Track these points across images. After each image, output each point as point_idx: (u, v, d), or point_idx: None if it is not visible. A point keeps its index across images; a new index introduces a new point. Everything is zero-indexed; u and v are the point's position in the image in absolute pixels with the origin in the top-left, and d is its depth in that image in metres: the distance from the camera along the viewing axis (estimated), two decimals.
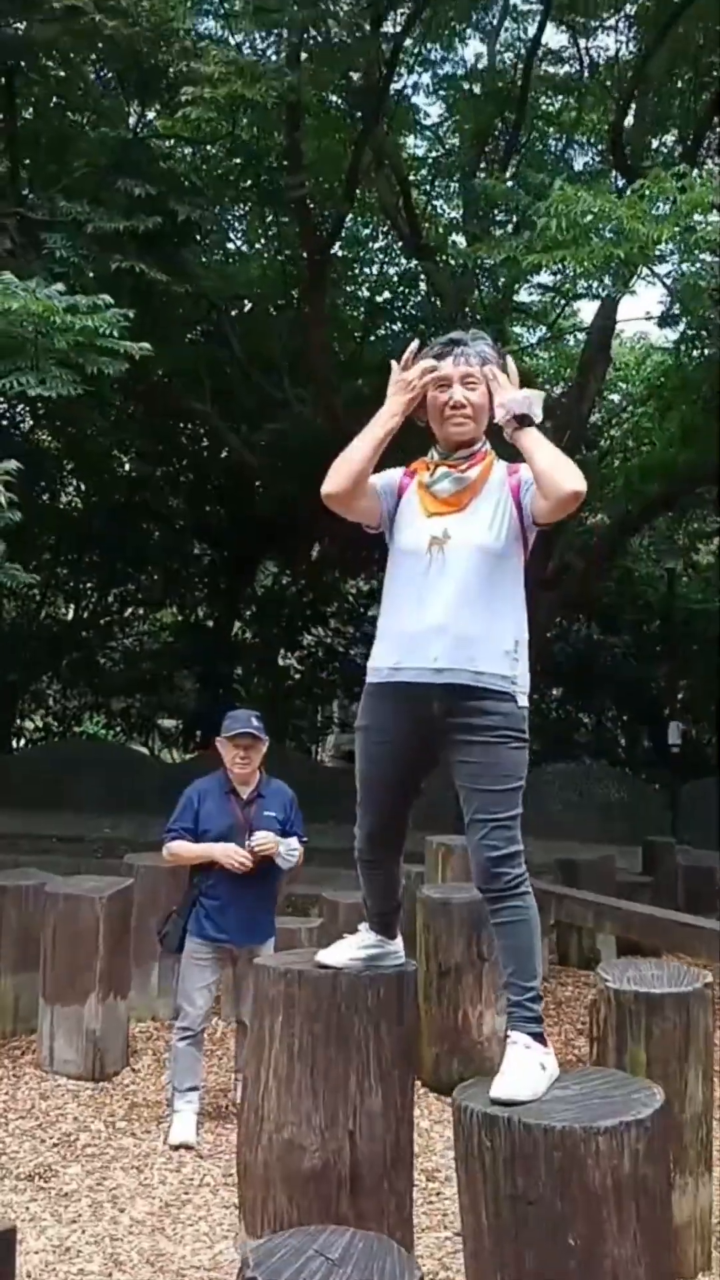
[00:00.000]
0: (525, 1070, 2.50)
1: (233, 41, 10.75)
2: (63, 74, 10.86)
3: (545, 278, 11.52)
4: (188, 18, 10.36)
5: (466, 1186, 2.48)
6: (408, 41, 11.18)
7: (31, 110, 11.42)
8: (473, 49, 12.94)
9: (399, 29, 10.79)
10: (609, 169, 11.71)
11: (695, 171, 8.05)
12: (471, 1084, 2.62)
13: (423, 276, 12.85)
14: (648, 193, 6.82)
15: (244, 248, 13.37)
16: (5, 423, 15.86)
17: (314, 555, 19.35)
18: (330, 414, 10.88)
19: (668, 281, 8.86)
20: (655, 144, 12.46)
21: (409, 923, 4.71)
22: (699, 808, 15.85)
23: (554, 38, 12.95)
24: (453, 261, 12.01)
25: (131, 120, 11.84)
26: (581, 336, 14.02)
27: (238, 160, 11.51)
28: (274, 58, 10.28)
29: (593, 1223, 2.29)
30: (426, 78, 12.58)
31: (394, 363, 2.86)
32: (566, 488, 2.62)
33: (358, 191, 11.37)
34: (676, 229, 6.81)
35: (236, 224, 13.23)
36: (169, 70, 9.96)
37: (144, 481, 17.97)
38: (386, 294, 14.23)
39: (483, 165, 12.45)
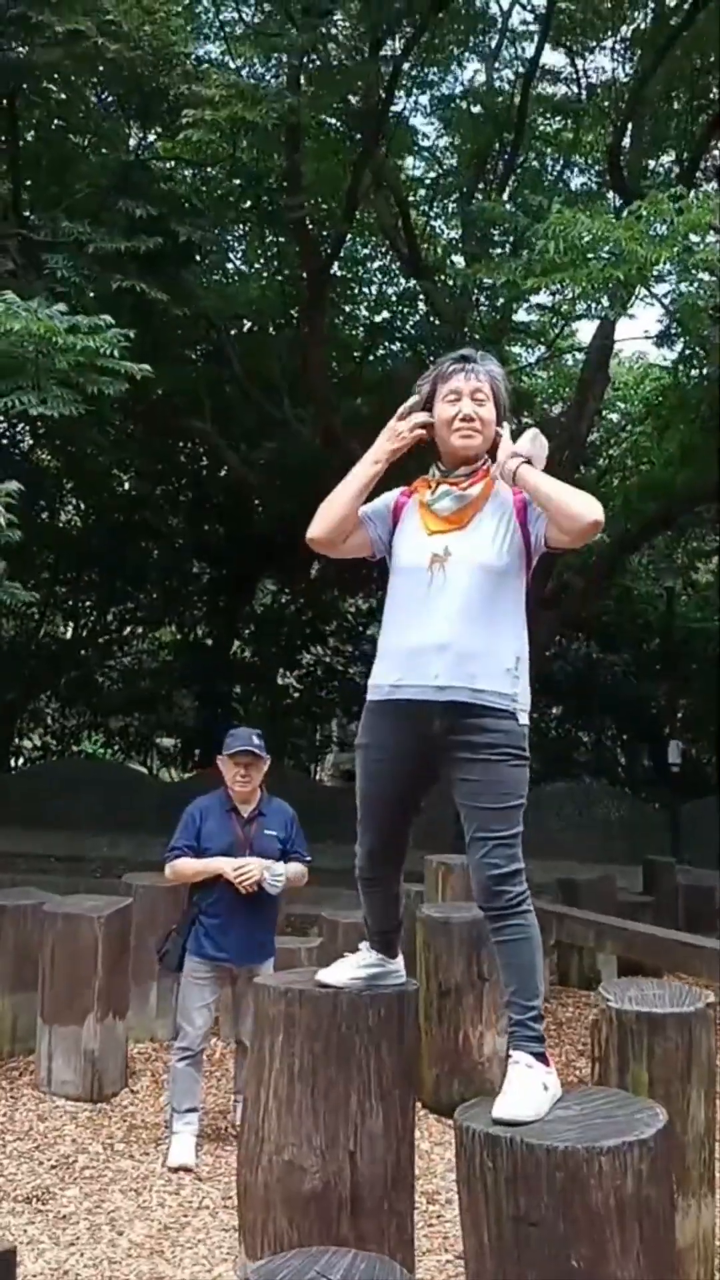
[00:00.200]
0: (527, 1090, 2.49)
1: (233, 65, 10.83)
2: (64, 97, 10.93)
3: (544, 298, 11.59)
4: (189, 42, 10.44)
5: (468, 1207, 2.45)
6: (406, 65, 11.27)
7: (33, 133, 11.50)
8: (471, 70, 12.98)
9: (398, 52, 10.86)
10: (606, 190, 11.78)
11: (693, 193, 8.11)
12: (473, 1104, 2.60)
13: (421, 296, 12.91)
14: (645, 214, 6.86)
15: (244, 268, 13.42)
16: (5, 442, 15.90)
17: (313, 574, 19.35)
18: (329, 433, 10.91)
19: (666, 301, 8.90)
20: (653, 165, 12.54)
21: (409, 942, 4.69)
22: (699, 827, 15.83)
23: (552, 58, 13.07)
24: (451, 282, 12.07)
25: (132, 142, 11.92)
26: (580, 356, 14.07)
27: (238, 181, 11.57)
28: (274, 81, 10.36)
29: (595, 1244, 2.27)
30: (425, 99, 12.69)
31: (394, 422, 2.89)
32: (587, 520, 2.65)
33: (357, 212, 11.43)
34: (674, 250, 6.85)
35: (236, 244, 13.29)
36: (170, 93, 10.04)
37: (143, 500, 18.00)
38: (385, 314, 14.29)
39: (481, 186, 12.54)
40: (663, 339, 10.75)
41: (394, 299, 14.14)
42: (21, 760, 20.39)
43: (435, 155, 13.47)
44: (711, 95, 11.79)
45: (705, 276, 7.23)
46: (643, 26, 11.30)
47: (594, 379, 11.42)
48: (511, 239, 10.44)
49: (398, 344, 14.13)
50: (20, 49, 9.54)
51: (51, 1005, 5.22)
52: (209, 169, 11.62)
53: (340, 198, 11.10)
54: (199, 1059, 4.62)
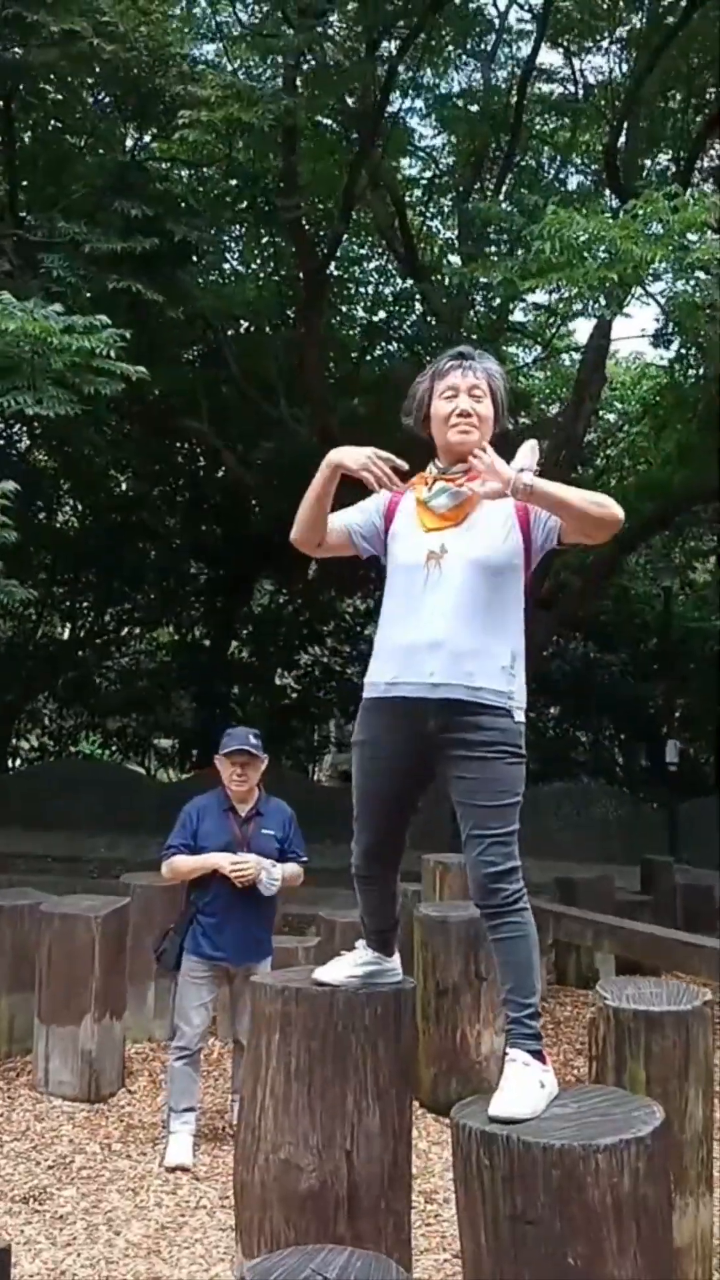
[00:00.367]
0: (524, 1088, 2.48)
1: (230, 66, 10.83)
2: (60, 97, 10.92)
3: (540, 297, 11.58)
4: (185, 43, 10.44)
5: (465, 1206, 2.45)
6: (403, 66, 11.27)
7: (30, 133, 11.50)
8: (467, 71, 12.97)
9: (394, 52, 10.87)
10: (603, 189, 11.79)
11: (689, 192, 8.11)
12: (470, 1102, 2.60)
13: (418, 297, 12.91)
14: (641, 214, 6.86)
15: (240, 268, 13.42)
16: (2, 442, 15.91)
17: (310, 574, 19.35)
18: (326, 433, 10.90)
19: (662, 301, 8.90)
20: (649, 164, 12.55)
21: (406, 941, 4.69)
22: (697, 826, 15.84)
23: (548, 58, 13.05)
24: (448, 281, 12.08)
25: (129, 143, 11.92)
26: (577, 356, 14.08)
27: (234, 182, 11.58)
28: (270, 82, 10.36)
29: (593, 1242, 2.26)
30: (421, 102, 12.70)
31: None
32: (610, 521, 2.70)
33: (353, 212, 11.44)
34: (670, 249, 6.85)
35: (233, 245, 13.29)
36: (166, 94, 10.04)
37: (140, 501, 18.00)
38: (382, 314, 14.30)
39: (477, 186, 12.54)
40: (659, 338, 10.76)
41: (390, 299, 14.16)
42: (19, 761, 20.38)
43: (431, 155, 13.49)
44: (708, 95, 11.81)
45: (701, 275, 7.24)
46: (639, 26, 11.30)
47: (590, 379, 11.42)
48: (508, 239, 10.44)
49: (395, 344, 14.14)
50: (16, 50, 9.54)
51: (49, 1005, 5.21)
52: (205, 169, 11.63)
53: (337, 198, 11.11)
54: (196, 1059, 4.61)
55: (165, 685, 20.24)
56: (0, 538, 6.37)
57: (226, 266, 13.11)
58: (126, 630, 20.70)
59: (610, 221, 6.88)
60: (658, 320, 10.57)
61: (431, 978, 5.21)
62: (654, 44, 10.46)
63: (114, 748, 21.26)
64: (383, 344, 14.29)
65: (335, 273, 12.99)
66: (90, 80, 10.80)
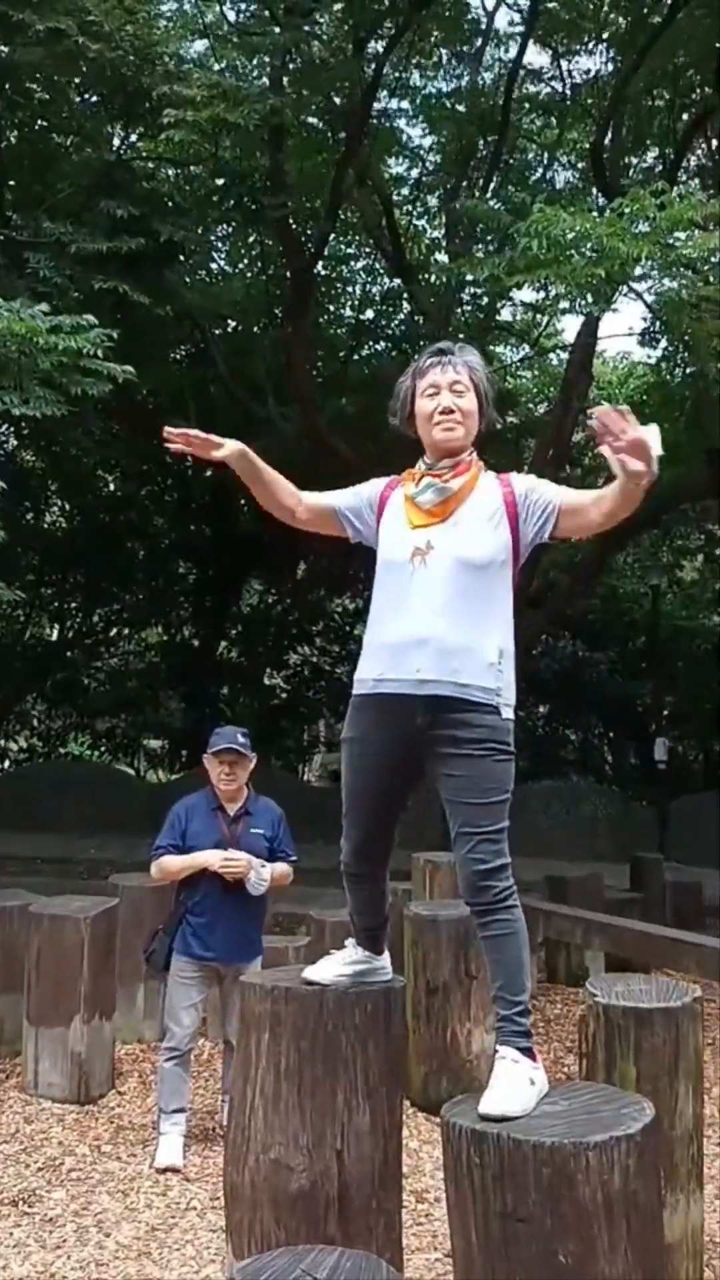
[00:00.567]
0: (514, 1085, 2.48)
1: (217, 66, 10.80)
2: (47, 96, 10.88)
3: (528, 295, 11.60)
4: (171, 41, 10.41)
5: (456, 1204, 2.45)
6: (389, 67, 11.26)
7: (16, 133, 11.45)
8: (454, 71, 12.97)
9: (381, 51, 10.85)
10: (590, 187, 11.80)
11: (675, 190, 8.12)
12: (460, 1100, 2.59)
13: (406, 295, 12.90)
14: (627, 211, 6.86)
15: (227, 268, 13.40)
16: None
17: (299, 574, 19.34)
18: (313, 432, 10.90)
19: (649, 299, 8.92)
20: (635, 163, 12.57)
21: (396, 940, 4.68)
22: (686, 824, 15.87)
23: (536, 58, 13.08)
24: (435, 280, 12.08)
25: (115, 142, 11.88)
26: (564, 355, 14.09)
27: (221, 181, 11.55)
28: (257, 81, 10.33)
29: (584, 1240, 2.26)
30: (407, 103, 12.70)
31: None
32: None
33: (340, 211, 11.42)
34: (656, 246, 6.86)
35: (220, 244, 13.26)
36: (153, 93, 10.01)
37: (128, 501, 17.95)
38: (370, 313, 14.29)
39: (465, 185, 12.54)
40: (646, 337, 10.78)
41: (378, 298, 14.15)
42: (8, 762, 20.33)
43: (419, 154, 13.48)
44: (694, 94, 11.82)
45: (688, 273, 7.24)
46: (624, 26, 11.30)
47: (578, 378, 11.42)
48: (495, 237, 10.44)
49: (382, 343, 14.13)
50: (2, 48, 9.49)
51: (38, 1007, 5.19)
52: (192, 168, 11.60)
53: (324, 197, 11.09)
54: (186, 1059, 4.60)
55: (154, 686, 20.20)
56: None
57: (214, 266, 13.09)
58: (115, 631, 20.64)
59: (597, 219, 6.88)
60: (645, 319, 10.59)
61: (422, 976, 5.21)
62: (639, 43, 10.47)
63: (103, 748, 21.21)
64: (370, 343, 14.27)
65: (322, 272, 12.97)
66: (77, 79, 10.77)
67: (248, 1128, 2.85)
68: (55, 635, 20.53)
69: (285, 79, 10.16)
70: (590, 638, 19.70)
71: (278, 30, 9.52)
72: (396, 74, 12.23)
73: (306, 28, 9.83)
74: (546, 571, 12.09)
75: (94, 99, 11.35)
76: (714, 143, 12.62)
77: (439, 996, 5.16)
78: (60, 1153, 4.52)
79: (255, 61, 10.38)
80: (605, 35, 11.68)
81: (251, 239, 13.02)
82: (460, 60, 12.44)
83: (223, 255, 13.50)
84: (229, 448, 2.88)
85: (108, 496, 17.80)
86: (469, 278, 8.98)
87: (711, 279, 7.50)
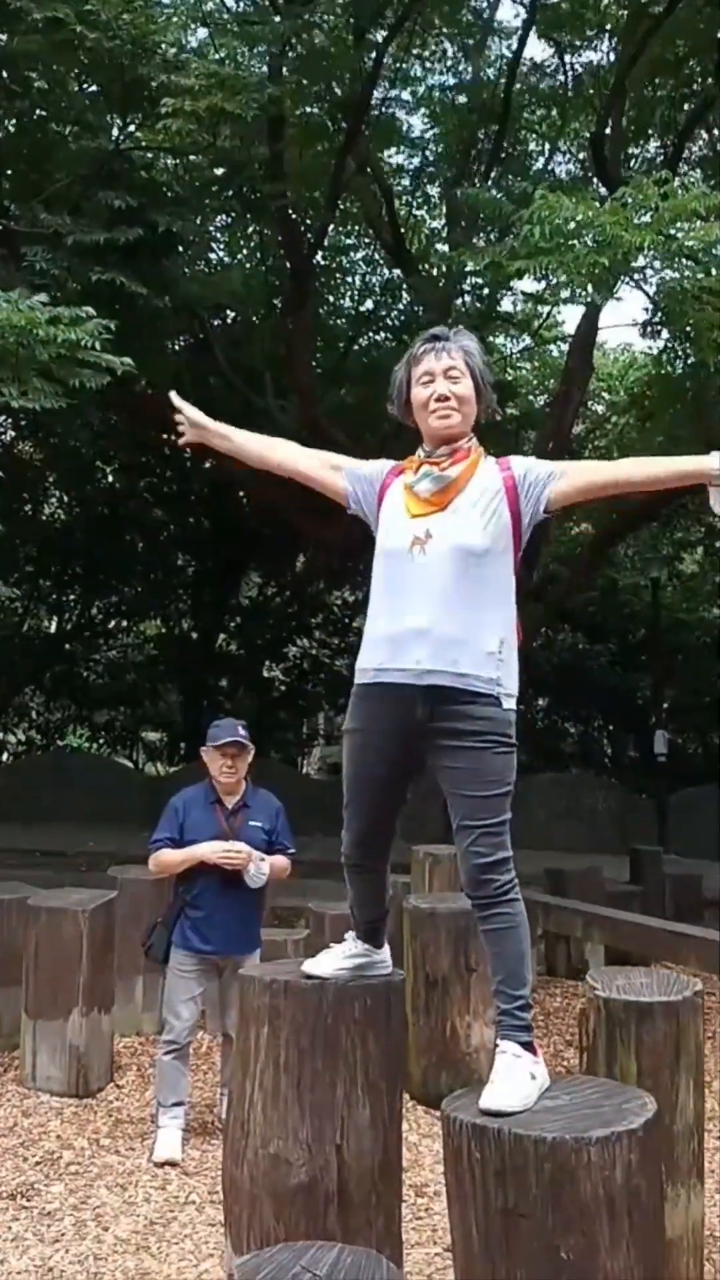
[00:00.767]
0: (515, 1080, 2.46)
1: (217, 55, 10.74)
2: (45, 86, 10.82)
3: (528, 285, 11.54)
4: (170, 31, 10.36)
5: (456, 1199, 2.43)
6: (390, 59, 11.21)
7: (14, 122, 11.38)
8: (456, 60, 12.91)
9: (381, 40, 10.80)
10: (591, 178, 11.75)
11: (677, 180, 8.08)
12: (461, 1094, 2.57)
13: (406, 286, 12.85)
14: (630, 200, 6.82)
15: (226, 258, 13.34)
16: None
17: (298, 566, 19.32)
18: (313, 423, 10.86)
19: (651, 289, 8.88)
20: (637, 153, 12.52)
21: (396, 933, 4.67)
22: (686, 817, 15.88)
23: (537, 50, 13.02)
24: (436, 270, 12.02)
25: (113, 132, 11.81)
26: (564, 346, 14.05)
27: (220, 171, 11.49)
28: (257, 69, 10.28)
29: (585, 1235, 2.24)
30: (408, 94, 12.64)
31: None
32: None
33: (340, 201, 11.36)
34: (659, 237, 6.82)
35: (219, 234, 13.20)
36: (152, 83, 9.95)
37: (127, 492, 17.92)
38: (369, 304, 14.24)
39: (465, 175, 12.48)
40: (647, 328, 10.73)
41: (378, 289, 14.09)
42: (6, 755, 20.33)
43: (419, 144, 13.41)
44: (695, 84, 11.77)
45: (690, 264, 7.20)
46: (624, 16, 11.24)
47: (578, 368, 11.38)
48: (496, 227, 10.38)
49: (382, 334, 14.07)
50: (0, 37, 9.44)
51: (36, 1000, 5.18)
52: (190, 158, 11.54)
53: (323, 187, 11.04)
54: (185, 1053, 4.59)
55: (153, 678, 20.21)
56: None
57: (212, 256, 13.02)
58: (114, 623, 20.64)
59: (599, 207, 6.84)
60: (646, 310, 10.54)
61: (421, 970, 5.19)
62: (640, 32, 10.41)
63: (102, 741, 21.22)
64: (370, 334, 14.22)
65: (322, 262, 12.91)
66: (76, 69, 10.71)
67: (247, 1122, 2.84)
68: (54, 628, 20.54)
69: (285, 68, 10.11)
70: (590, 630, 19.70)
71: (278, 19, 9.47)
72: (398, 64, 12.17)
73: (307, 17, 9.78)
74: (547, 564, 12.06)
75: (92, 88, 11.30)
76: (715, 133, 12.57)
77: (438, 990, 5.15)
78: (58, 1146, 4.50)
79: (255, 51, 10.33)
80: (607, 26, 11.62)
81: (251, 229, 12.96)
82: (463, 51, 12.38)
83: (222, 246, 13.43)
84: (195, 438, 3.10)
85: (106, 488, 17.78)
86: (470, 267, 8.94)
87: (713, 270, 7.46)
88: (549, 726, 20.97)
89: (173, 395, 3.11)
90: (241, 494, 16.07)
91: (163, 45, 9.89)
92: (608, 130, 11.25)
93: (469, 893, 2.66)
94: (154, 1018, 5.79)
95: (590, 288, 7.12)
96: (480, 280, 11.03)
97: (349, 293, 14.45)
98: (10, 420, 14.62)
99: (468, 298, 12.54)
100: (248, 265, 13.25)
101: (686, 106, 11.85)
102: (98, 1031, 5.23)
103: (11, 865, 10.67)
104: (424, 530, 2.69)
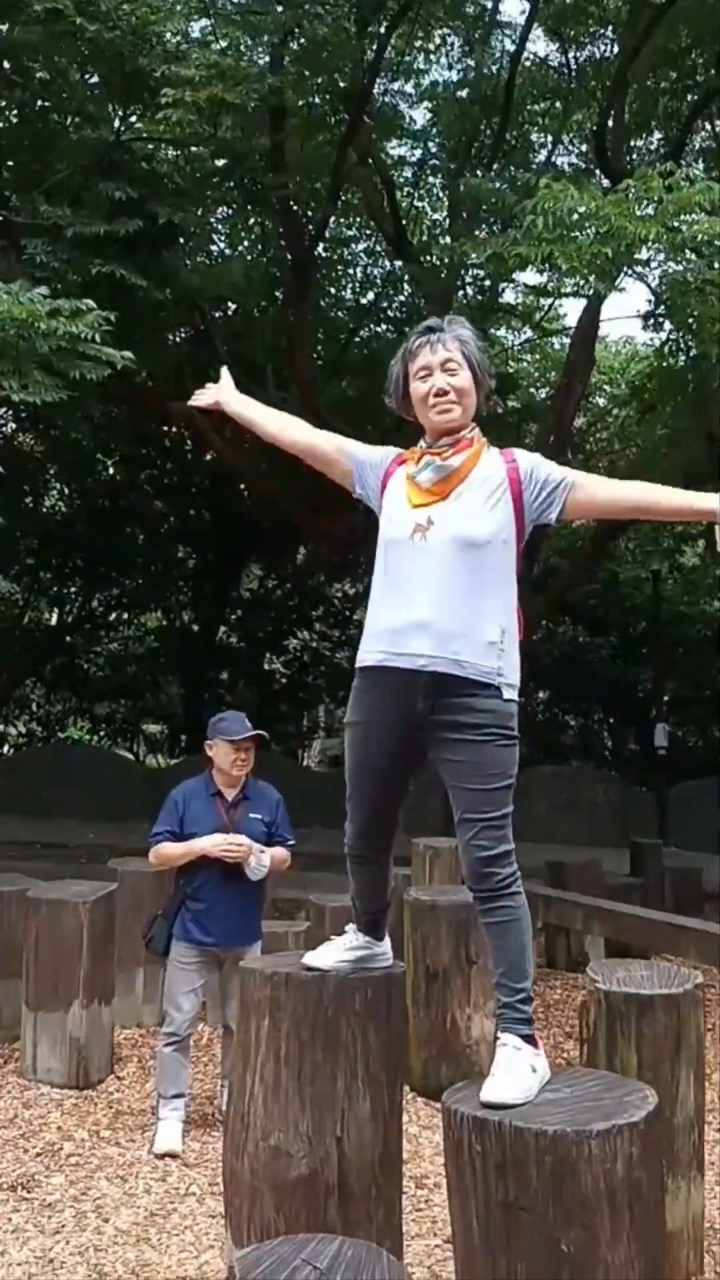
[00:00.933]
0: (516, 1073, 2.46)
1: (218, 46, 10.70)
2: (46, 76, 10.79)
3: (531, 277, 11.53)
4: (171, 21, 10.32)
5: (456, 1192, 2.43)
6: (393, 52, 11.16)
7: (15, 112, 11.35)
8: (458, 52, 12.87)
9: (384, 30, 10.76)
10: (594, 170, 11.71)
11: (679, 172, 8.05)
12: (461, 1087, 2.57)
13: (407, 278, 12.82)
14: (634, 192, 6.80)
15: (227, 250, 13.31)
16: None
17: (299, 559, 19.31)
18: (314, 415, 10.83)
19: (652, 283, 8.87)
20: (640, 145, 12.48)
21: (396, 926, 4.67)
22: (686, 810, 15.88)
23: (540, 45, 12.93)
24: (438, 261, 11.98)
25: (114, 123, 11.78)
26: (566, 340, 14.02)
27: (221, 162, 11.45)
28: (258, 60, 10.24)
29: (586, 1228, 2.24)
30: (411, 87, 12.60)
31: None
32: None
33: (341, 193, 11.33)
34: (662, 229, 6.79)
35: (220, 226, 13.17)
36: (155, 73, 9.93)
37: (128, 485, 17.90)
38: (371, 295, 14.21)
39: (467, 168, 12.45)
40: (649, 320, 10.72)
41: (379, 281, 14.06)
42: (7, 747, 20.33)
43: (421, 136, 13.37)
44: (697, 76, 11.73)
45: (693, 256, 7.18)
46: (624, 12, 11.20)
47: (580, 361, 11.36)
48: (499, 219, 10.36)
49: (383, 326, 14.04)
50: (1, 27, 9.41)
51: (36, 992, 5.18)
52: (191, 149, 11.51)
53: (325, 178, 11.01)
54: (186, 1044, 4.59)
55: (154, 671, 20.21)
56: None
57: (213, 248, 13.00)
58: (114, 615, 20.65)
59: (603, 198, 6.81)
60: (650, 302, 10.51)
61: (422, 962, 5.19)
62: (643, 24, 10.37)
63: (102, 733, 21.22)
64: (371, 326, 14.19)
65: (323, 254, 12.89)
66: (77, 60, 10.67)
67: (247, 1114, 2.84)
68: (54, 620, 20.53)
69: (286, 59, 10.07)
70: (591, 623, 19.68)
71: (279, 9, 9.43)
72: (401, 56, 12.13)
73: (308, 7, 9.73)
74: (548, 557, 12.06)
75: (93, 79, 11.27)
76: (718, 124, 12.53)
77: (439, 982, 5.15)
78: (59, 1138, 4.51)
79: (257, 41, 10.29)
80: (609, 19, 11.57)
81: (252, 221, 12.94)
82: (467, 45, 12.34)
83: (223, 238, 13.40)
84: (209, 401, 3.19)
85: (107, 481, 17.75)
86: (472, 258, 8.91)
87: (716, 263, 7.44)
88: (549, 719, 20.97)
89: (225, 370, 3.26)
90: (243, 486, 16.04)
91: (163, 35, 9.87)
92: (610, 122, 11.22)
93: (471, 886, 2.66)
94: (154, 1010, 5.80)
95: (593, 278, 7.09)
96: (482, 272, 11.01)
97: (350, 285, 14.43)
98: (10, 413, 14.59)
99: (469, 289, 12.52)
100: (249, 257, 13.23)
101: (689, 98, 11.81)
102: (98, 1023, 5.23)
103: (12, 857, 10.69)
104: (425, 518, 2.68)
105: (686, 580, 19.51)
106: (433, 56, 12.73)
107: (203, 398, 3.19)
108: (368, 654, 2.74)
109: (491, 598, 2.66)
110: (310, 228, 11.39)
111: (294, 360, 11.34)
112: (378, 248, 13.74)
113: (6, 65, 10.24)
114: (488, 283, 11.89)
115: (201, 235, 11.97)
